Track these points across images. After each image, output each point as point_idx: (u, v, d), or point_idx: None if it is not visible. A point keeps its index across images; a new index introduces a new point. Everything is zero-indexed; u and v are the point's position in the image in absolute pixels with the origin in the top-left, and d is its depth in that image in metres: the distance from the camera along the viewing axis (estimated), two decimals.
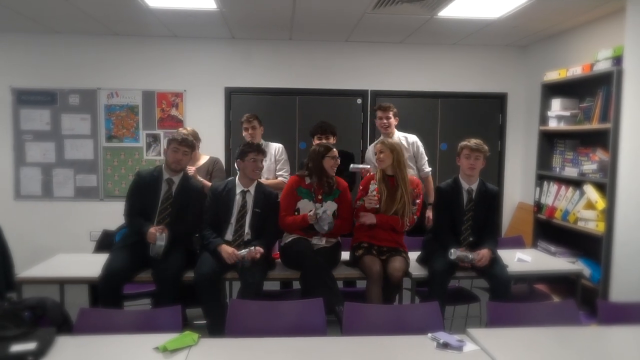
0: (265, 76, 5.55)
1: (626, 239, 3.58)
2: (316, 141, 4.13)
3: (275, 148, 4.26)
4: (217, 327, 2.97)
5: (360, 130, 5.68)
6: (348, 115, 5.62)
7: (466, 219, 3.30)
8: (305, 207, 3.37)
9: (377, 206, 3.28)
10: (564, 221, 4.24)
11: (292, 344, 2.15)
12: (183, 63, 5.48)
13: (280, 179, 4.19)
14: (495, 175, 5.81)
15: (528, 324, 2.35)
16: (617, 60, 3.72)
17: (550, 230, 4.51)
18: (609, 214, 3.72)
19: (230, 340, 2.22)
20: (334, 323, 2.80)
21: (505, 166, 5.85)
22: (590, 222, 3.90)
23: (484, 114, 5.82)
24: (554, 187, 4.43)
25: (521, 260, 3.51)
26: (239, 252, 3.10)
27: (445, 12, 4.31)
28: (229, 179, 3.47)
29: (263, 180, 4.01)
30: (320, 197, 3.38)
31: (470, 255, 3.13)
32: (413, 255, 3.43)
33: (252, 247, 3.10)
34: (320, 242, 3.35)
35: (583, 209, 3.99)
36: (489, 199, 3.35)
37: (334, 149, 3.45)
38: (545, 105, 4.57)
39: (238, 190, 3.34)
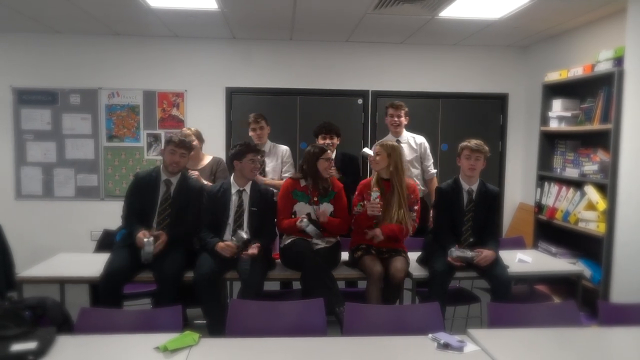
0: (266, 76, 5.55)
1: (627, 240, 3.57)
2: (320, 141, 4.13)
3: (283, 150, 4.25)
4: (217, 327, 2.97)
5: (361, 131, 5.68)
6: (349, 116, 5.62)
7: (466, 219, 3.29)
8: (302, 209, 3.37)
9: (379, 214, 3.24)
10: (564, 222, 4.24)
11: (292, 344, 2.15)
12: (184, 63, 5.48)
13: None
14: (496, 175, 5.81)
15: (529, 325, 2.35)
16: (618, 60, 3.72)
17: (551, 231, 4.50)
18: (609, 214, 3.72)
19: (231, 340, 2.22)
20: (335, 323, 2.80)
21: (506, 167, 5.85)
22: (591, 223, 3.90)
23: (485, 114, 5.82)
24: (554, 188, 4.43)
25: (522, 261, 3.51)
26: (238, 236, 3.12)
27: (446, 13, 4.31)
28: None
29: (268, 180, 4.01)
30: (315, 199, 3.38)
31: (470, 254, 3.12)
32: (413, 256, 3.42)
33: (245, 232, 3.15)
34: (320, 242, 3.35)
35: (584, 210, 3.99)
36: (490, 200, 3.34)
37: (329, 151, 3.44)
38: (546, 106, 4.56)
39: (234, 190, 3.34)
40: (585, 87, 4.21)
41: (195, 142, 3.96)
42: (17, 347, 1.95)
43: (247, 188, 3.35)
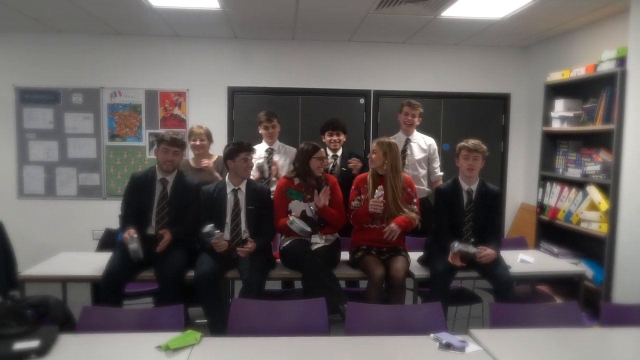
0: (268, 76, 5.55)
1: (629, 240, 3.57)
2: (327, 137, 4.14)
3: (294, 152, 4.24)
4: (218, 326, 2.97)
5: (363, 130, 5.68)
6: (351, 115, 5.62)
7: (467, 220, 3.29)
8: (297, 207, 3.37)
9: (381, 211, 3.25)
10: (566, 222, 4.23)
11: (294, 343, 2.15)
12: (186, 62, 5.48)
13: None
14: (497, 176, 5.80)
15: (530, 325, 2.35)
16: (621, 61, 3.71)
17: (553, 231, 4.50)
18: (612, 215, 3.71)
19: (233, 339, 2.22)
20: (338, 323, 2.80)
21: (508, 167, 5.84)
22: (593, 223, 3.89)
23: (487, 114, 5.81)
24: (556, 188, 4.42)
25: (524, 261, 3.50)
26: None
27: (449, 13, 4.31)
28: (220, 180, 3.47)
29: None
30: (309, 196, 3.39)
31: (473, 250, 3.11)
32: (414, 256, 3.42)
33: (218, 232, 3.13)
34: (319, 240, 3.35)
35: (586, 210, 3.98)
36: (490, 199, 3.33)
37: (322, 149, 3.44)
38: (548, 106, 4.56)
39: (229, 189, 3.34)
40: (587, 87, 4.21)
41: (205, 142, 3.96)
42: (20, 345, 1.96)
43: (243, 187, 3.35)
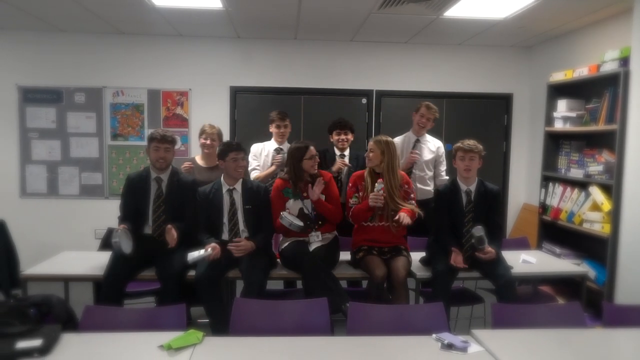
0: (270, 75, 5.56)
1: (632, 241, 3.56)
2: (335, 137, 4.14)
3: None
4: (219, 326, 2.98)
5: (365, 131, 5.67)
6: (353, 115, 5.58)
7: (467, 220, 3.28)
8: (294, 206, 3.37)
9: (381, 204, 3.26)
10: (569, 223, 4.23)
11: (295, 343, 2.15)
12: (188, 62, 5.49)
13: None
14: (500, 176, 5.79)
15: (532, 326, 2.35)
16: (624, 61, 3.70)
17: (555, 232, 4.49)
18: (614, 215, 3.70)
19: (235, 339, 2.23)
20: (341, 323, 2.80)
21: (510, 167, 5.83)
22: (596, 223, 3.88)
23: (489, 114, 5.80)
24: (559, 189, 4.42)
25: (526, 261, 3.50)
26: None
27: (451, 12, 4.30)
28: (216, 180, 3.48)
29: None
30: (305, 194, 3.39)
31: (484, 236, 3.09)
32: (416, 256, 3.42)
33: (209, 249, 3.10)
34: (317, 238, 3.34)
35: (588, 211, 3.98)
36: (490, 199, 3.32)
37: (311, 148, 3.40)
38: (551, 106, 4.55)
39: (224, 189, 3.34)
40: (590, 87, 4.20)
41: (215, 142, 3.96)
42: (22, 344, 1.96)
43: (238, 187, 3.34)
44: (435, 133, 4.40)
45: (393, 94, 5.66)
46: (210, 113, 5.46)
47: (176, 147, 3.54)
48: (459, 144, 3.31)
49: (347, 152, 4.15)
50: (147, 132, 5.47)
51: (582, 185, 4.14)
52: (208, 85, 5.51)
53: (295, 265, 3.23)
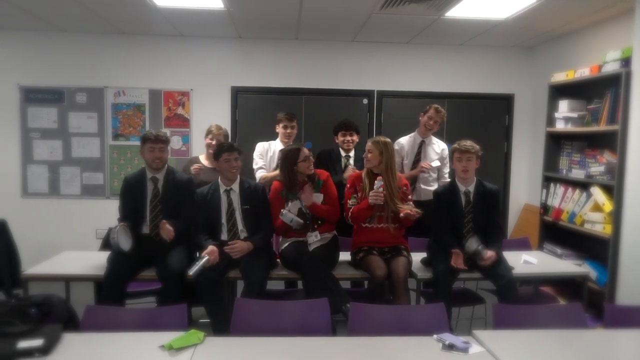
0: (271, 76, 5.56)
1: (633, 242, 3.55)
2: (340, 138, 4.14)
3: None
4: (220, 326, 2.98)
5: (366, 131, 5.67)
6: (354, 116, 5.58)
7: (466, 221, 3.28)
8: (293, 207, 3.36)
9: (382, 202, 3.25)
10: (570, 223, 4.22)
11: (296, 343, 2.15)
12: (190, 62, 5.49)
13: None
14: (501, 176, 5.79)
15: (534, 327, 2.35)
16: (626, 61, 3.70)
17: (556, 232, 4.48)
18: (616, 216, 3.70)
19: (236, 339, 2.22)
20: (342, 323, 2.80)
21: (511, 167, 5.83)
22: (597, 224, 3.88)
23: (491, 115, 5.80)
24: (560, 189, 4.41)
25: (527, 262, 3.50)
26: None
27: (453, 13, 4.30)
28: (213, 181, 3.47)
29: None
30: (303, 195, 3.38)
31: (478, 246, 3.11)
32: (417, 256, 3.42)
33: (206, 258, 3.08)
34: (315, 238, 3.34)
35: (590, 211, 3.97)
36: (489, 199, 3.31)
37: (303, 149, 3.38)
38: (552, 107, 4.54)
39: (222, 190, 3.34)
40: (592, 87, 4.19)
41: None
42: (23, 344, 1.96)
43: (235, 187, 3.34)
44: (436, 133, 4.40)
45: (394, 94, 5.66)
46: (211, 113, 5.46)
47: (170, 146, 3.55)
48: (455, 145, 3.32)
49: (352, 154, 4.14)
50: None
51: (583, 185, 4.13)
52: (209, 85, 5.51)
53: (295, 266, 3.23)
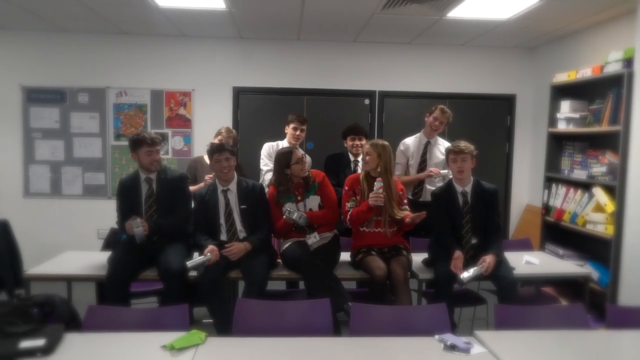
0: (273, 76, 5.56)
1: (635, 242, 3.55)
2: (349, 142, 4.16)
3: (309, 161, 4.21)
4: (223, 326, 2.98)
5: (367, 131, 5.66)
6: (355, 116, 5.60)
7: (465, 221, 3.27)
8: (291, 208, 3.35)
9: (382, 204, 3.25)
10: (572, 224, 4.22)
11: (298, 343, 2.15)
12: (191, 62, 5.49)
13: None
14: (503, 177, 5.79)
15: (535, 327, 2.34)
16: (628, 62, 3.69)
17: (558, 233, 4.48)
18: (618, 216, 3.69)
19: (237, 339, 2.23)
20: (344, 323, 2.79)
21: (513, 168, 5.82)
22: (599, 225, 3.87)
23: (492, 115, 5.79)
24: (562, 190, 4.40)
25: (529, 262, 3.49)
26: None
27: (454, 13, 4.30)
28: (211, 182, 3.47)
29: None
30: (299, 197, 3.39)
31: (476, 271, 3.05)
32: (418, 257, 3.41)
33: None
34: (315, 238, 3.34)
35: (592, 212, 3.97)
36: (487, 199, 3.30)
37: (296, 151, 3.38)
38: (554, 107, 4.54)
39: (219, 190, 3.34)
40: (593, 88, 4.19)
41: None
42: (26, 344, 1.97)
43: (232, 187, 3.34)
44: (438, 134, 4.39)
45: (396, 94, 5.66)
46: (213, 113, 5.47)
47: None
48: (449, 147, 3.33)
49: (360, 158, 4.14)
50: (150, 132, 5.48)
51: (585, 186, 4.13)
52: (211, 85, 5.51)
53: (296, 266, 3.23)
